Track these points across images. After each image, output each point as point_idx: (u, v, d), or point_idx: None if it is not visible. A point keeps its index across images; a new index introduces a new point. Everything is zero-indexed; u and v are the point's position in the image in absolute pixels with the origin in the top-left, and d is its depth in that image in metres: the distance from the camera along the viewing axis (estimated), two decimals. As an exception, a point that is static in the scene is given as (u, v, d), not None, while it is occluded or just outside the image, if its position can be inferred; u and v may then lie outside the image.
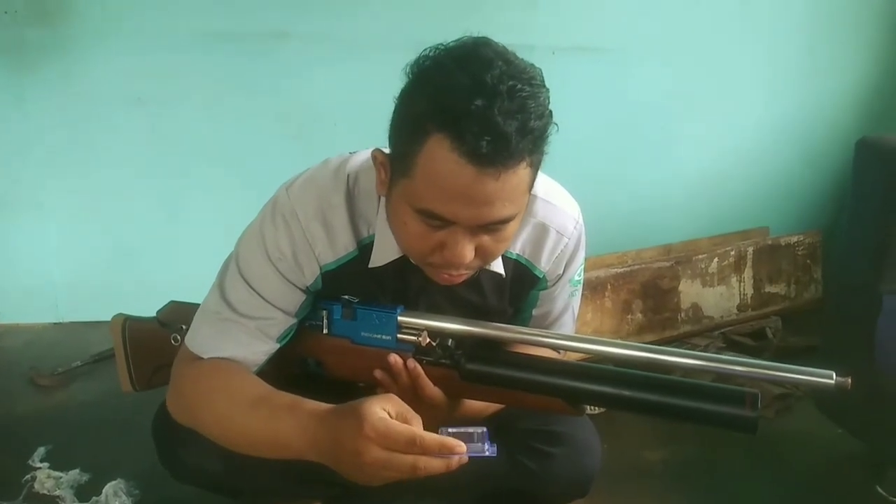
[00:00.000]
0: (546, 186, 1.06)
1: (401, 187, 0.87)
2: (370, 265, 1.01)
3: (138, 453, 1.38)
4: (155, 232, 2.26)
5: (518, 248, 1.06)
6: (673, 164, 2.43)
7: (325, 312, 1.04)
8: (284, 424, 0.90)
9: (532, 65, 0.86)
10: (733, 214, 2.46)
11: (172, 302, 1.23)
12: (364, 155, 1.02)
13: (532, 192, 0.95)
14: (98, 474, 1.48)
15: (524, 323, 1.15)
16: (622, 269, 2.08)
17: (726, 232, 2.41)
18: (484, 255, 0.91)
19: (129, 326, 1.23)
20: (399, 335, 1.01)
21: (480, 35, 0.87)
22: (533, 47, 2.17)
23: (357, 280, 1.02)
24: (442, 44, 0.86)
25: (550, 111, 0.85)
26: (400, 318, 1.01)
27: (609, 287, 2.04)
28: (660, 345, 2.09)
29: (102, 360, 2.00)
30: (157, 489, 1.43)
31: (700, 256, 2.21)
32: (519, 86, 0.80)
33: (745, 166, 2.47)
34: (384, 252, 1.00)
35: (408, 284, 1.04)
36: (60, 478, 1.48)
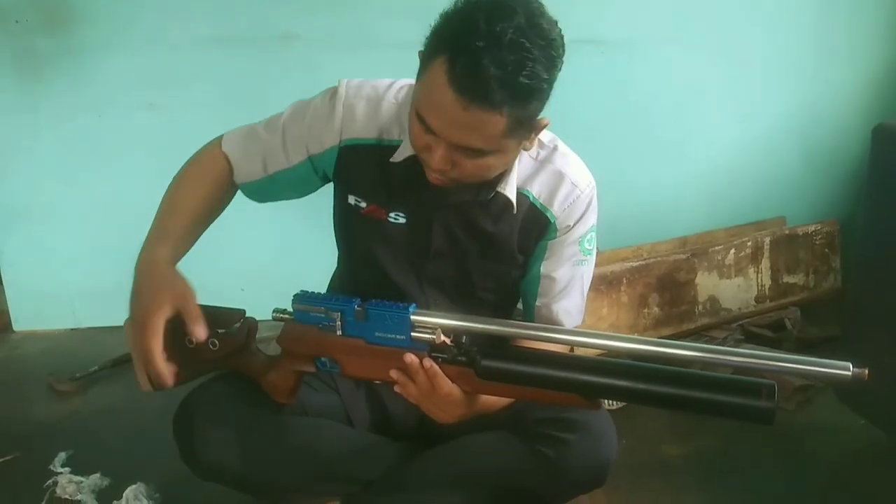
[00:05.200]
0: (568, 150, 1.16)
1: (415, 88, 1.00)
2: (391, 159, 1.11)
3: (158, 457, 1.39)
4: (169, 236, 2.27)
5: (535, 191, 1.13)
6: (686, 156, 2.41)
7: (338, 314, 1.03)
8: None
9: (560, 37, 0.95)
10: (749, 205, 2.44)
11: None
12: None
13: (553, 146, 1.14)
14: (118, 478, 1.48)
15: (532, 283, 1.20)
16: (638, 263, 2.07)
17: (742, 223, 2.39)
18: (461, 172, 1.00)
19: None
20: (413, 333, 1.00)
21: None
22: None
23: (370, 173, 1.13)
24: None
25: (549, 79, 0.94)
26: (413, 316, 1.00)
27: (625, 281, 2.03)
28: (677, 338, 2.09)
29: (120, 364, 2.01)
30: (177, 492, 1.43)
31: (716, 248, 2.19)
32: (527, 45, 0.89)
33: (759, 156, 2.44)
34: (405, 148, 1.09)
35: (421, 205, 1.13)
36: (81, 482, 1.49)
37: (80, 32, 2.08)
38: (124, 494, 1.42)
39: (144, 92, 2.14)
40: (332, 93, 1.15)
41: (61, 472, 1.52)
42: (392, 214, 1.15)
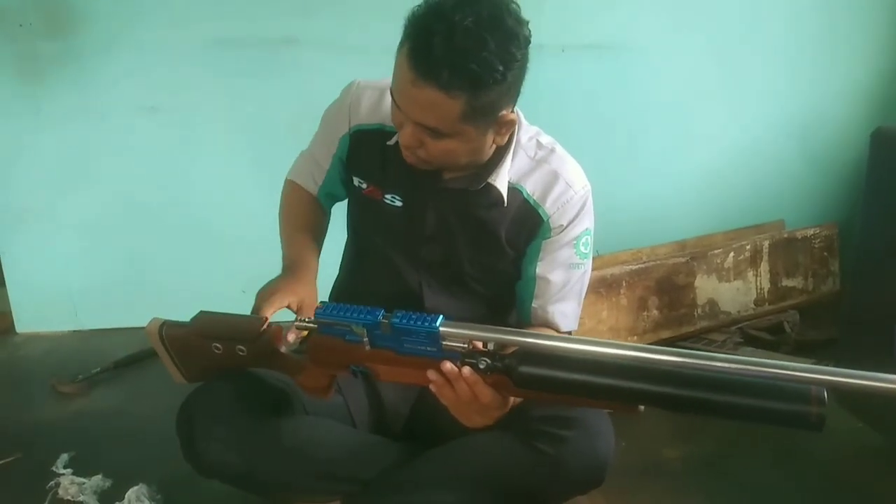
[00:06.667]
0: (566, 153, 1.20)
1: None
2: (388, 142, 1.17)
3: (160, 458, 1.40)
4: (171, 238, 2.27)
5: (529, 188, 1.17)
6: (686, 159, 2.42)
7: (363, 330, 1.02)
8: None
9: (524, 37, 0.99)
10: (748, 208, 2.45)
11: (202, 312, 1.16)
12: None
13: (551, 148, 1.18)
14: (120, 480, 1.49)
15: (528, 284, 1.21)
16: (637, 266, 2.08)
17: (741, 226, 2.40)
18: (428, 153, 1.06)
19: (167, 334, 1.15)
20: (444, 342, 0.98)
21: None
22: (542, 46, 2.15)
23: (371, 155, 1.20)
24: None
25: (505, 72, 0.97)
26: (441, 329, 0.97)
27: (624, 284, 2.04)
28: (677, 341, 2.10)
29: (123, 366, 2.02)
30: (179, 494, 1.44)
31: (715, 251, 2.20)
32: (483, 35, 0.94)
33: (758, 159, 2.45)
34: None
35: (415, 189, 1.18)
36: (83, 484, 1.49)
37: (82, 36, 2.09)
38: (126, 496, 1.43)
39: (145, 95, 2.14)
40: (346, 88, 1.25)
41: (63, 474, 1.53)
42: (388, 196, 1.21)
